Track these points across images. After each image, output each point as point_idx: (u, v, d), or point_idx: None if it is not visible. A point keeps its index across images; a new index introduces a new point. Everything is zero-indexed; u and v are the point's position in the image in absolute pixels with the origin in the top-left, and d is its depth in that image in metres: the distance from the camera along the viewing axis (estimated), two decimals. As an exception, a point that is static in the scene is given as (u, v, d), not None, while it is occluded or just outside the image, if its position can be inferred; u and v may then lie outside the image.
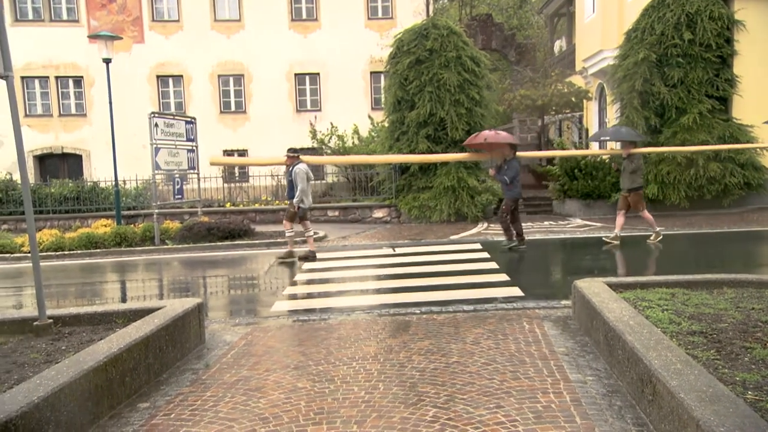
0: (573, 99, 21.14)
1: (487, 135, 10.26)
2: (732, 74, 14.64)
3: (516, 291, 6.97)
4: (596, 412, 3.42)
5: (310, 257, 10.06)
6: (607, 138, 12.87)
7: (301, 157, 10.10)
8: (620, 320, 4.05)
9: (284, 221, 10.40)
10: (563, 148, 17.15)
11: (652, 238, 10.44)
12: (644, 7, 15.25)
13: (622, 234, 10.43)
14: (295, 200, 9.89)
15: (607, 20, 18.18)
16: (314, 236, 10.63)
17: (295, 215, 10.11)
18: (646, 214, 10.48)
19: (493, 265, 8.80)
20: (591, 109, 21.51)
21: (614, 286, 5.23)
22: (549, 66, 24.50)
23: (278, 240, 12.64)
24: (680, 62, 14.47)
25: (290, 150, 10.16)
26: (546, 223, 14.34)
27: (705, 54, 14.41)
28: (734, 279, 5.35)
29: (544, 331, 5.15)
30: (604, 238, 10.61)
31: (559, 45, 28.43)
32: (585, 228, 12.96)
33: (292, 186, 9.92)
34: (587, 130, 21.96)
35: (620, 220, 10.41)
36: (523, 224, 10.75)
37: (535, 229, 12.98)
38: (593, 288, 5.07)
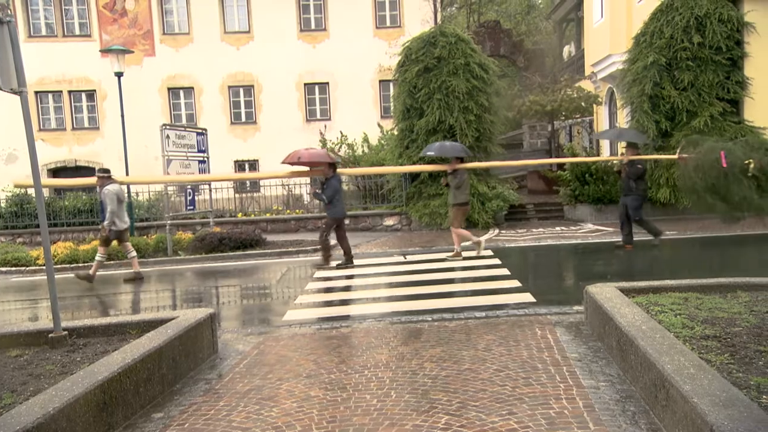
0: (583, 104, 21.09)
1: (302, 154, 10.00)
2: (743, 76, 14.54)
3: (528, 297, 6.95)
4: (610, 418, 3.40)
5: (137, 278, 9.88)
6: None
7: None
8: (633, 325, 4.03)
9: (98, 246, 10.13)
10: (573, 154, 17.07)
11: (453, 254, 10.29)
12: (653, 11, 15.20)
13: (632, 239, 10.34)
14: (105, 223, 9.60)
15: (616, 25, 18.15)
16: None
17: (108, 239, 9.85)
18: (460, 230, 10.28)
19: (505, 271, 8.78)
20: (601, 114, 21.44)
21: (626, 291, 5.20)
22: (558, 71, 24.49)
23: (290, 249, 12.70)
24: (690, 65, 14.39)
25: (100, 170, 9.90)
26: (557, 228, 14.28)
27: (715, 57, 14.32)
28: (748, 282, 5.30)
29: (557, 337, 5.13)
30: (446, 256, 10.39)
31: (568, 50, 28.40)
32: (597, 233, 12.89)
33: (103, 208, 9.59)
34: (598, 135, 21.86)
35: (462, 233, 10.31)
36: (535, 230, 10.71)
37: (546, 235, 12.94)
38: (605, 293, 5.05)
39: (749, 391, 2.96)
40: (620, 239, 10.61)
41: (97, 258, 10.10)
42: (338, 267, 10.01)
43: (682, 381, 2.98)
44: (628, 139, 10.48)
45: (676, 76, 14.53)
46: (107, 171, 10.02)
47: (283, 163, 10.49)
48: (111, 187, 9.65)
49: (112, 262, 12.31)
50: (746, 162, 9.38)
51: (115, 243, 10.23)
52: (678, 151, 10.60)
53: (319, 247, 10.25)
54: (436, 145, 11.05)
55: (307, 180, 19.22)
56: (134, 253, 10.30)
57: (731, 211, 9.73)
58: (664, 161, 14.35)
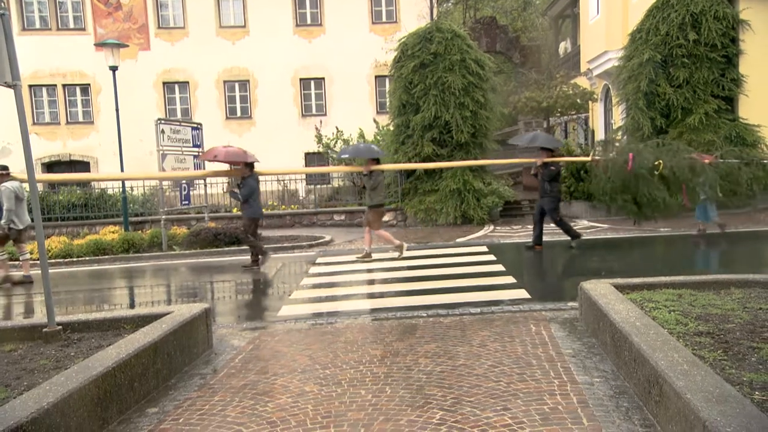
0: (578, 101, 21.12)
1: (219, 152, 9.94)
2: (738, 74, 14.58)
3: (522, 293, 6.97)
4: (603, 414, 3.42)
5: (25, 282, 9.61)
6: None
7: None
8: (627, 321, 4.04)
9: None
10: (569, 151, 17.08)
11: (362, 255, 10.26)
12: (649, 8, 15.22)
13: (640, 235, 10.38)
14: (2, 222, 9.37)
15: (612, 21, 18.16)
16: (321, 240, 10.63)
17: (6, 237, 9.62)
18: (381, 232, 10.30)
19: (500, 267, 8.80)
20: (597, 111, 21.49)
21: (621, 288, 5.22)
22: (554, 68, 24.49)
23: (285, 245, 12.69)
24: (685, 62, 14.43)
25: None
26: (552, 224, 14.29)
27: (710, 54, 14.36)
28: (741, 279, 5.33)
29: (551, 333, 5.15)
30: (355, 257, 10.36)
31: (564, 47, 28.40)
32: (591, 229, 12.92)
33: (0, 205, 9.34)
34: (593, 132, 21.93)
35: (367, 237, 10.35)
36: (530, 226, 10.75)
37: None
38: (600, 289, 5.07)
39: (742, 387, 2.98)
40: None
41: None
42: (244, 268, 10.02)
43: (676, 377, 3.00)
44: (541, 143, 10.54)
45: (672, 73, 14.57)
46: (5, 168, 9.66)
47: (200, 159, 10.33)
48: (9, 185, 9.35)
49: (106, 256, 12.28)
50: (655, 163, 9.57)
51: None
52: (592, 153, 10.72)
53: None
54: (350, 147, 10.90)
55: (303, 176, 19.23)
56: (28, 256, 10.00)
57: (641, 211, 9.96)
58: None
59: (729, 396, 2.74)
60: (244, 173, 9.92)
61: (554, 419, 3.38)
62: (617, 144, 10.69)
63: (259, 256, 10.14)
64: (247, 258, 10.53)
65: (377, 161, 10.27)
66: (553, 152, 10.53)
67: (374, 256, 10.42)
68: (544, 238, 10.63)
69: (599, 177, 10.20)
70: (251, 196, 9.83)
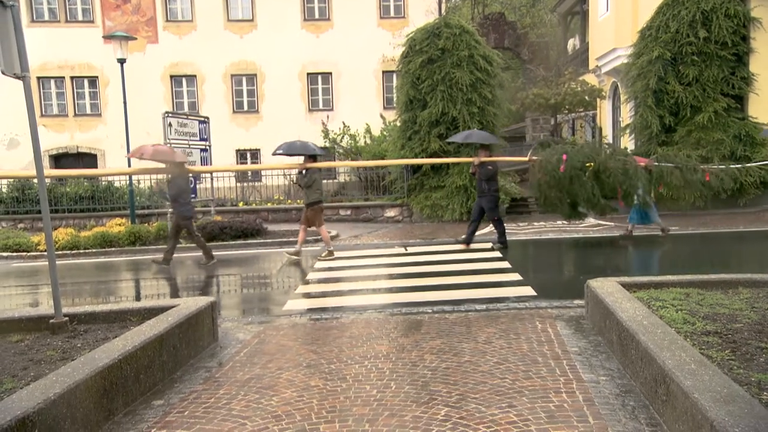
0: (586, 98, 21.02)
1: (146, 150, 9.74)
2: (748, 72, 14.48)
3: (528, 290, 6.95)
4: (609, 412, 3.40)
5: None
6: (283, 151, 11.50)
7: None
8: (634, 320, 4.02)
9: None
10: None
11: (324, 254, 10.20)
12: (659, 5, 15.12)
13: (636, 234, 10.34)
14: None
15: (621, 18, 18.05)
16: (328, 234, 10.63)
17: None
18: (324, 231, 10.29)
19: (506, 264, 8.78)
20: (604, 108, 21.38)
21: (627, 286, 5.19)
22: (562, 64, 24.39)
23: (291, 239, 12.68)
24: (695, 60, 14.33)
25: None
26: (559, 222, 14.25)
27: (720, 52, 14.26)
28: (749, 279, 5.29)
29: (557, 330, 5.13)
30: (285, 253, 10.31)
31: (573, 43, 28.26)
32: (598, 227, 12.88)
33: None
34: (601, 129, 21.83)
35: (302, 235, 10.31)
36: (536, 223, 10.71)
37: (547, 228, 12.93)
38: (606, 287, 5.04)
39: (750, 388, 2.96)
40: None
41: None
42: (203, 265, 9.95)
43: (683, 376, 2.98)
44: (477, 140, 10.50)
45: (681, 70, 14.48)
46: None
47: (129, 157, 10.17)
48: None
49: (113, 249, 12.33)
50: (587, 164, 9.58)
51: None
52: (529, 153, 10.70)
53: (317, 238, 10.17)
54: (285, 144, 10.80)
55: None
56: None
57: (575, 209, 9.98)
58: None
59: (737, 396, 2.72)
60: (173, 172, 9.75)
61: (560, 417, 3.37)
62: (553, 145, 10.68)
63: (204, 256, 10.02)
64: (248, 252, 10.55)
65: (314, 159, 10.18)
66: (490, 150, 10.44)
67: (377, 252, 10.41)
68: (551, 236, 10.59)
69: (536, 176, 10.22)
70: (180, 196, 9.67)
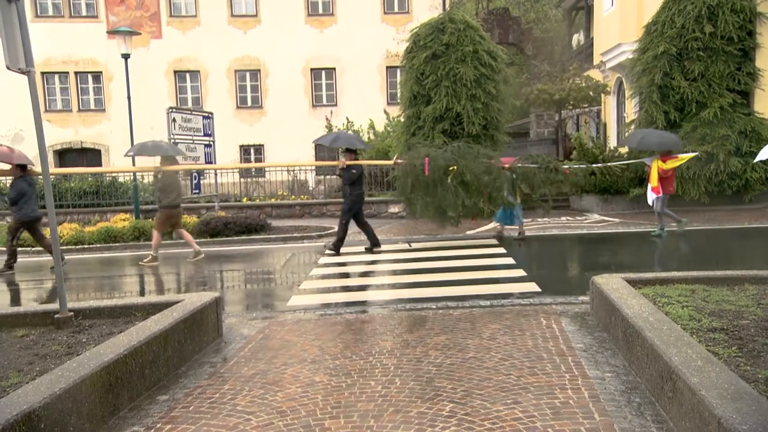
0: (591, 93, 20.92)
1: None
2: (754, 68, 14.40)
3: (533, 286, 6.93)
4: (615, 409, 3.39)
5: None
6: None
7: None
8: (639, 316, 4.01)
9: None
10: (581, 144, 16.96)
11: (191, 257, 10.10)
12: (664, 0, 15.03)
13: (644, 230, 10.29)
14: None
15: (626, 13, 17.96)
16: (331, 231, 10.63)
17: None
18: (155, 234, 10.10)
19: (510, 260, 8.77)
20: (609, 104, 21.30)
21: (633, 282, 5.17)
22: (566, 60, 24.30)
23: (295, 235, 12.71)
24: (701, 56, 14.25)
25: None
26: (563, 218, 14.24)
27: (726, 47, 14.18)
28: (756, 275, 5.26)
29: (562, 326, 5.12)
30: (141, 262, 10.02)
31: (577, 39, 28.14)
32: (603, 223, 12.85)
33: None
34: (605, 125, 21.75)
35: (155, 240, 10.12)
36: (540, 219, 10.68)
37: (552, 225, 12.90)
38: (612, 284, 5.03)
39: (757, 385, 2.94)
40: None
41: None
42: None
43: (690, 373, 2.97)
44: (343, 144, 10.42)
45: (687, 66, 14.40)
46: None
47: None
48: None
49: (117, 244, 12.36)
50: (450, 168, 9.51)
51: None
52: (395, 156, 10.63)
53: (321, 233, 10.15)
54: (137, 145, 10.59)
55: (313, 167, 19.20)
56: None
57: (442, 213, 9.94)
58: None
59: (744, 393, 2.70)
60: (14, 174, 9.46)
61: (565, 413, 3.36)
62: (417, 147, 10.57)
63: (9, 261, 9.73)
64: (252, 248, 10.55)
65: (172, 160, 9.93)
66: (356, 153, 10.39)
67: (383, 247, 10.40)
68: (555, 232, 10.57)
69: (402, 179, 10.10)
70: (20, 199, 9.41)
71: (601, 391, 3.66)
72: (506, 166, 10.07)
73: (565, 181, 10.41)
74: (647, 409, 3.37)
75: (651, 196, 10.75)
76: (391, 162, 10.84)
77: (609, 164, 13.06)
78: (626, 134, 18.28)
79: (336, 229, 10.51)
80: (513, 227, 11.06)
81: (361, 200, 10.29)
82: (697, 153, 12.02)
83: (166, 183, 9.64)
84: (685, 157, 10.86)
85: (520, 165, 10.21)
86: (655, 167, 10.51)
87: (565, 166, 10.57)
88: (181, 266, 10.18)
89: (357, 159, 10.42)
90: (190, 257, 10.17)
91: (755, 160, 10.80)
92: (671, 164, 10.48)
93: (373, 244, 10.16)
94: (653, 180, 10.53)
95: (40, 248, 12.03)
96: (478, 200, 10.27)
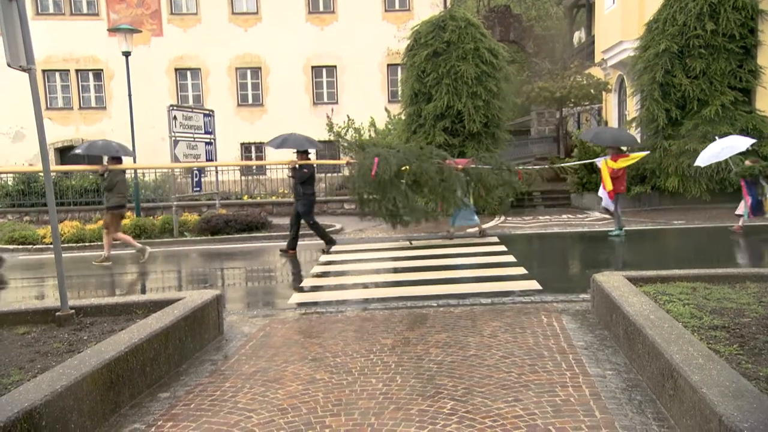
0: (592, 91, 20.92)
1: None
2: (756, 65, 14.38)
3: (534, 284, 6.93)
4: (616, 407, 3.39)
5: None
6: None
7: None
8: (640, 314, 4.01)
9: None
10: (582, 142, 16.94)
11: (100, 259, 9.88)
12: (666, -3, 15.01)
13: (633, 228, 10.29)
14: None
15: (628, 11, 17.93)
16: (332, 229, 10.63)
17: None
18: (121, 235, 10.07)
19: (511, 258, 8.76)
20: (610, 102, 21.28)
21: (634, 280, 5.17)
22: (568, 58, 24.26)
23: (295, 232, 12.70)
24: (702, 53, 14.23)
25: None
26: (564, 216, 14.23)
27: (728, 45, 14.16)
28: (757, 273, 5.26)
29: (563, 324, 5.11)
30: (94, 262, 9.93)
31: (578, 36, 28.12)
32: (603, 221, 12.84)
33: None
34: (606, 123, 21.73)
35: (123, 238, 10.11)
36: (541, 217, 10.68)
37: (553, 222, 12.90)
38: (612, 282, 5.02)
39: (758, 383, 2.94)
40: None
41: None
42: None
43: (691, 371, 2.96)
44: (292, 146, 10.42)
45: (688, 63, 14.38)
46: None
47: None
48: None
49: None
50: (402, 169, 9.47)
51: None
52: (349, 156, 10.60)
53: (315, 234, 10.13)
54: (86, 143, 10.53)
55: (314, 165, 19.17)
56: None
57: (391, 214, 9.90)
58: (673, 149, 14.24)
59: (746, 391, 2.70)
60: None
61: (566, 411, 3.36)
62: (369, 147, 10.53)
63: None
64: (253, 246, 10.55)
65: (118, 160, 9.83)
66: (308, 154, 10.36)
67: (383, 245, 10.40)
68: (556, 230, 10.56)
69: (353, 179, 10.06)
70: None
71: (602, 388, 3.66)
72: (459, 167, 10.03)
73: (520, 182, 10.41)
74: (648, 407, 3.37)
75: (604, 199, 10.73)
76: (343, 161, 10.79)
77: (561, 164, 13.10)
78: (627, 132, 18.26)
79: (289, 231, 10.51)
80: (470, 226, 10.98)
81: (314, 199, 10.36)
82: (648, 152, 12.07)
83: (112, 183, 9.53)
84: (636, 156, 10.88)
85: (473, 166, 10.17)
86: (605, 167, 10.49)
87: (519, 167, 10.57)
88: (183, 264, 10.19)
89: (309, 159, 10.43)
90: (98, 260, 9.92)
91: (694, 164, 10.90)
92: (622, 163, 10.43)
93: (329, 242, 10.22)
94: (607, 182, 10.49)
95: (40, 246, 12.07)
96: (431, 201, 10.26)
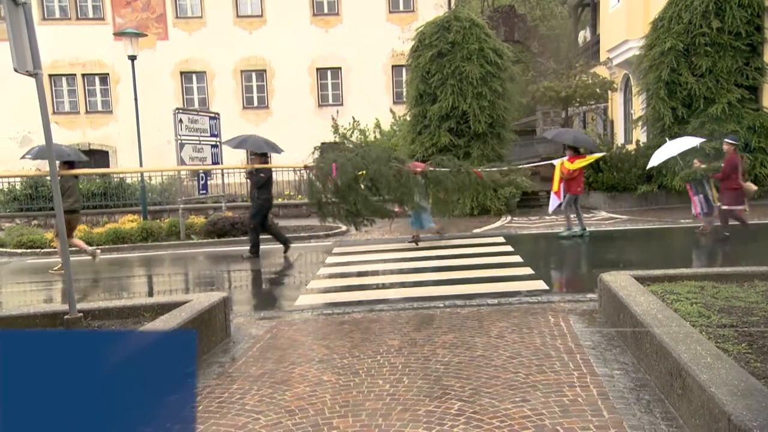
0: (597, 90, 20.87)
1: None
2: (762, 63, 14.30)
3: (540, 284, 6.91)
4: (624, 406, 3.38)
5: None
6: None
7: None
8: (648, 313, 3.99)
9: None
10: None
11: (56, 268, 9.57)
12: (671, -5, 14.96)
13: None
14: None
15: (633, 9, 17.88)
16: (337, 230, 10.64)
17: None
18: (75, 240, 9.91)
19: (517, 258, 8.74)
20: (616, 101, 21.22)
21: (641, 279, 5.15)
22: (573, 57, 24.21)
23: (301, 234, 12.73)
24: (708, 51, 14.17)
25: None
26: (571, 215, 14.17)
27: (734, 42, 14.09)
28: (765, 272, 5.23)
29: (570, 324, 5.10)
30: (51, 271, 9.71)
31: (583, 35, 28.06)
32: (610, 221, 12.79)
33: None
34: (612, 122, 21.67)
35: (76, 243, 9.92)
36: (547, 217, 10.66)
37: (559, 222, 12.85)
38: (620, 281, 5.01)
39: (767, 382, 2.93)
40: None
41: None
42: None
43: (699, 370, 2.95)
44: (250, 147, 10.39)
45: (694, 62, 14.32)
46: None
47: None
48: None
49: (125, 245, 12.40)
50: (360, 172, 9.47)
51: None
52: (307, 160, 10.54)
53: (329, 232, 10.13)
54: (35, 148, 10.39)
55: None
56: None
57: (351, 216, 9.94)
58: None
59: (755, 390, 2.69)
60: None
61: (574, 411, 3.35)
62: (328, 152, 10.45)
63: None
64: (265, 247, 10.54)
65: (70, 165, 9.63)
66: (266, 157, 10.32)
67: (389, 246, 10.39)
68: (563, 230, 10.53)
69: (312, 183, 10.01)
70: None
71: (610, 388, 3.65)
72: (417, 170, 10.03)
73: (481, 183, 10.37)
74: (656, 407, 3.36)
75: (554, 203, 10.75)
76: (300, 165, 10.76)
77: (520, 166, 13.11)
78: (633, 131, 18.22)
79: (278, 237, 10.55)
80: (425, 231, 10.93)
81: (269, 205, 10.37)
82: (604, 153, 12.08)
83: (64, 187, 9.28)
84: (592, 157, 10.99)
85: (431, 169, 10.15)
86: (558, 169, 10.54)
87: (478, 169, 10.54)
88: (190, 266, 10.22)
89: (267, 163, 10.42)
90: (56, 268, 9.66)
91: (648, 167, 11.00)
92: (579, 164, 10.45)
93: (254, 253, 10.14)
94: (554, 183, 10.60)
95: (48, 249, 12.13)
96: (388, 203, 10.27)
